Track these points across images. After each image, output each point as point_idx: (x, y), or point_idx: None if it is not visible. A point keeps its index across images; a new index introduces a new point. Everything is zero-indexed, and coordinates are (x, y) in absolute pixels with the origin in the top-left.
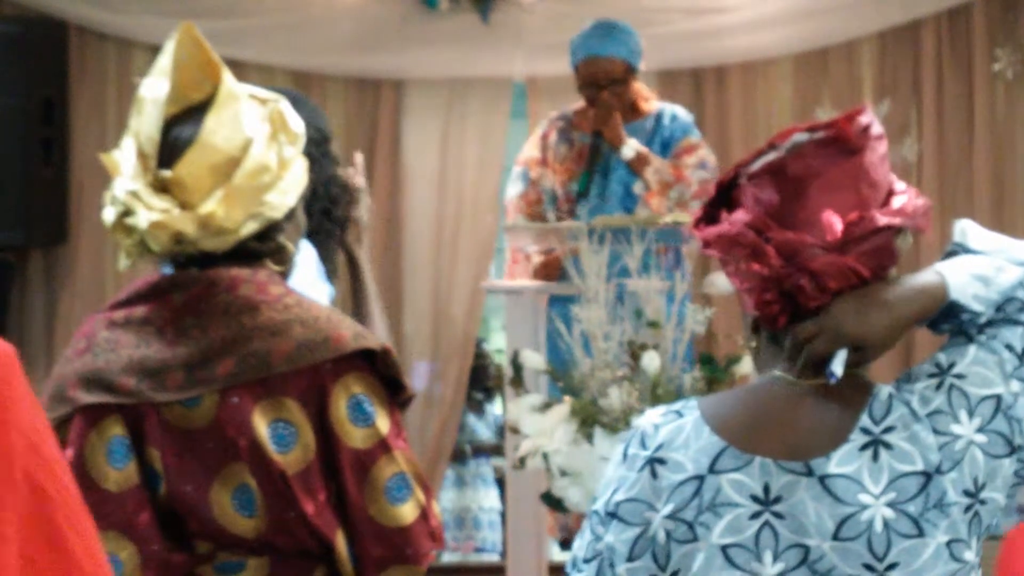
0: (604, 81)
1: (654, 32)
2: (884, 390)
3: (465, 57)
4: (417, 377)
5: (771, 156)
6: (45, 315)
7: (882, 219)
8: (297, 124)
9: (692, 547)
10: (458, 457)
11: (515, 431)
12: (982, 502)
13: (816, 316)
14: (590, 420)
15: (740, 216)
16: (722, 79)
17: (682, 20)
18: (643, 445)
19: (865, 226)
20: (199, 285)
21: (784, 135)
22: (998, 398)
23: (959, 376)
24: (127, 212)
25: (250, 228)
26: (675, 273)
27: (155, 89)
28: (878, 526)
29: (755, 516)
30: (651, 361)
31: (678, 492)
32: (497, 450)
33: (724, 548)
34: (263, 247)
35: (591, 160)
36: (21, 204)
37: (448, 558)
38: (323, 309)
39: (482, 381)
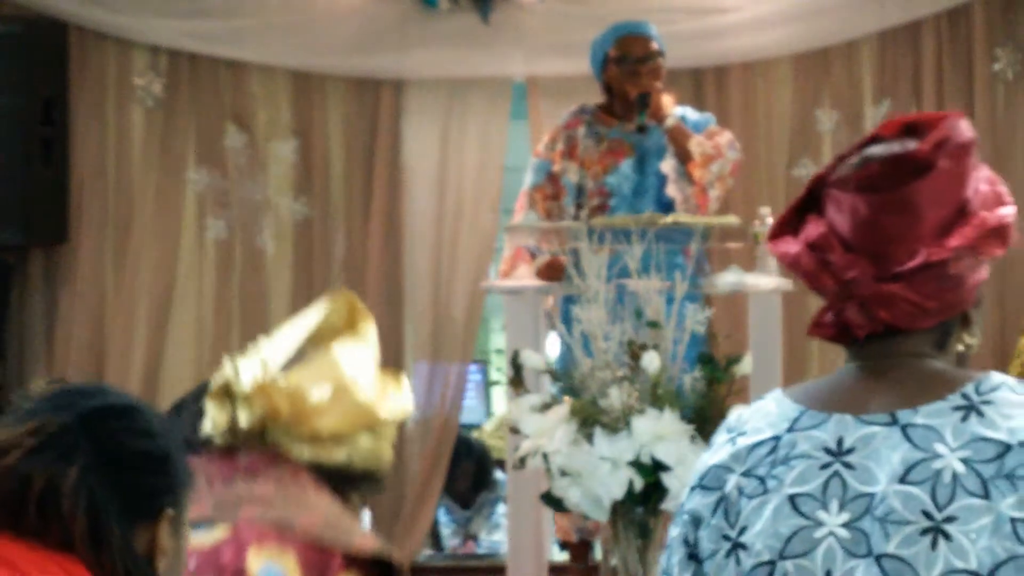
0: (641, 54)
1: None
2: (997, 376)
3: (465, 57)
4: (417, 377)
5: (852, 163)
6: (45, 315)
7: (932, 254)
8: None
9: (762, 499)
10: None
11: (515, 431)
12: None
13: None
14: (590, 420)
15: (811, 230)
16: (722, 79)
17: (682, 20)
18: (727, 429)
19: (916, 259)
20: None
21: (885, 127)
22: None
23: None
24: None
25: (344, 456)
26: (675, 273)
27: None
28: (946, 476)
29: (825, 467)
30: (651, 361)
31: (754, 453)
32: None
33: (792, 497)
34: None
35: (642, 103)
36: (21, 204)
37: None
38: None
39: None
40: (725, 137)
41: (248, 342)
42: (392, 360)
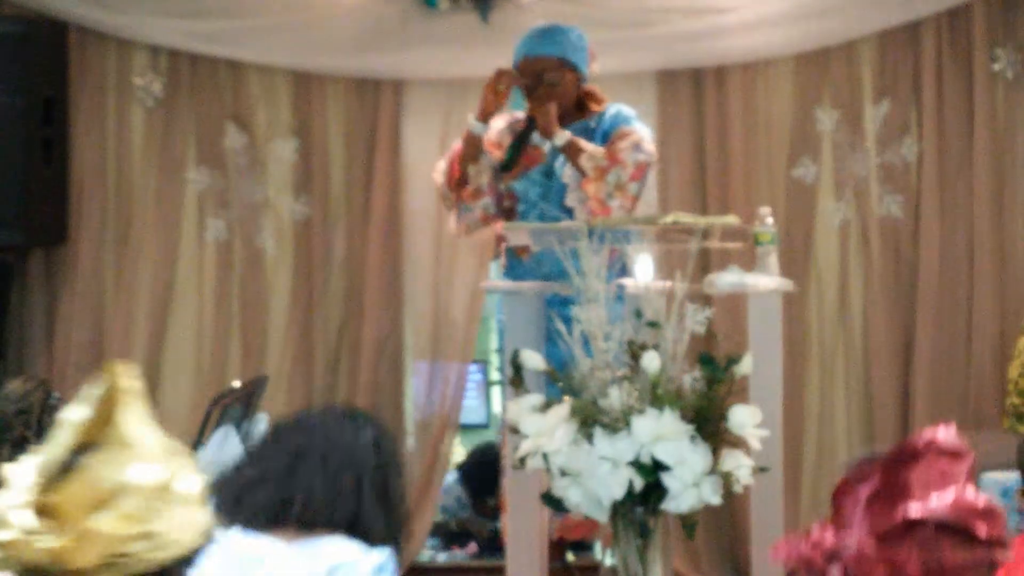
0: (533, 80)
1: (654, 32)
2: None
3: (465, 57)
4: (417, 377)
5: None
6: (45, 315)
7: (910, 513)
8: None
9: None
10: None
11: (515, 431)
12: None
13: None
14: (590, 420)
15: (815, 534)
16: (722, 79)
17: (682, 20)
18: None
19: (896, 519)
20: None
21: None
22: None
23: None
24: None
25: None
26: (615, 274)
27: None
28: None
29: None
30: (651, 361)
31: None
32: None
33: None
34: None
35: (521, 137)
36: (21, 204)
37: (448, 558)
38: None
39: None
40: (630, 140)
41: (248, 342)
42: (392, 360)
